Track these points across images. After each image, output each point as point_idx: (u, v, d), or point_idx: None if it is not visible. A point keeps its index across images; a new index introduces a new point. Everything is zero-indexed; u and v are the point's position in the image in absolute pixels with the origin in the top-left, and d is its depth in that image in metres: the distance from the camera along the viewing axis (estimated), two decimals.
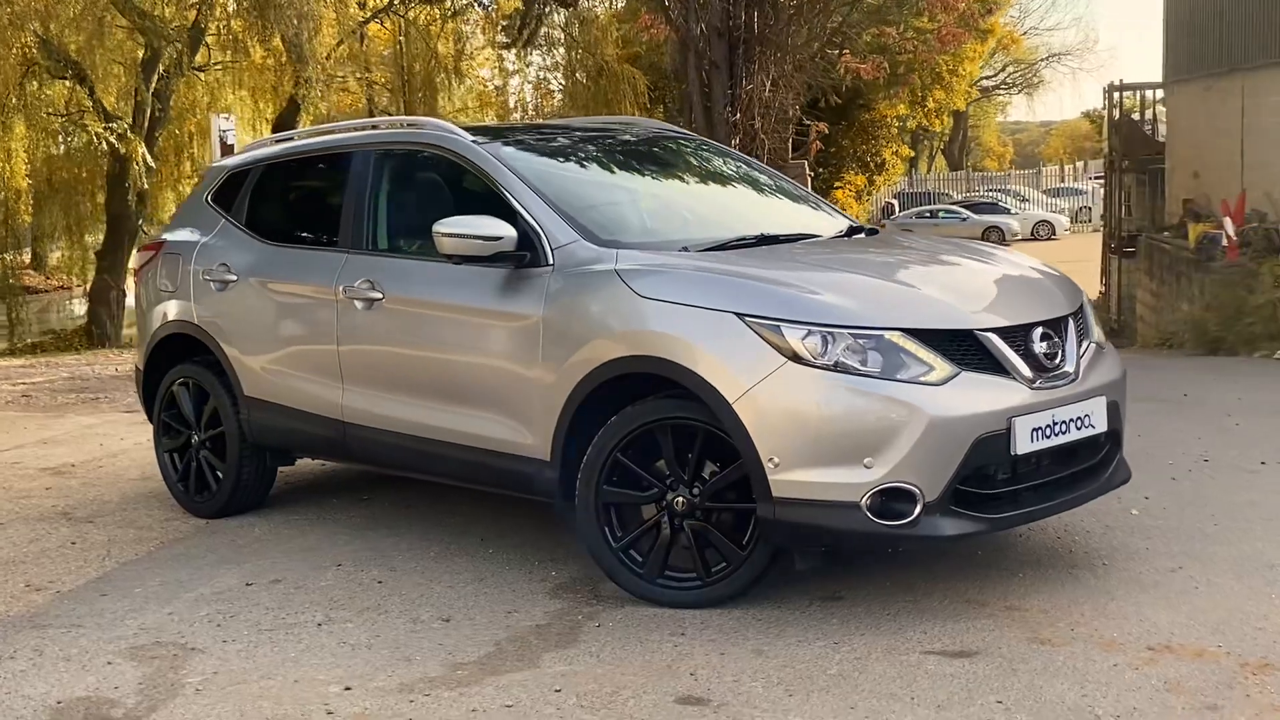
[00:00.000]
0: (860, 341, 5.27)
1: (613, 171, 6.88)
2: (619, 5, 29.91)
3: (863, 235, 6.86)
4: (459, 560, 6.46)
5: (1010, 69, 43.43)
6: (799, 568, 5.63)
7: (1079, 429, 5.63)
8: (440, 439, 6.34)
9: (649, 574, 5.67)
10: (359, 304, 6.60)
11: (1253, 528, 6.51)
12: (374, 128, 7.31)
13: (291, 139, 7.72)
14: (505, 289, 6.05)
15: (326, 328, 6.78)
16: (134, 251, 8.34)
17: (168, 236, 7.86)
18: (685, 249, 6.05)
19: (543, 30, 23.52)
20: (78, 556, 6.89)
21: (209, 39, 26.93)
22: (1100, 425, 5.75)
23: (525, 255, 6.02)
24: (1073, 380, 5.64)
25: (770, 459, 5.26)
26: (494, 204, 6.33)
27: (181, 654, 5.38)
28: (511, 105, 34.87)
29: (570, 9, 25.24)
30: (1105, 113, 26.32)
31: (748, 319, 5.36)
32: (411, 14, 28.72)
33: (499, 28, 25.50)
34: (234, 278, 7.28)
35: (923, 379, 5.25)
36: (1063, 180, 45.58)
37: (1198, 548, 6.22)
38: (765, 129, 20.45)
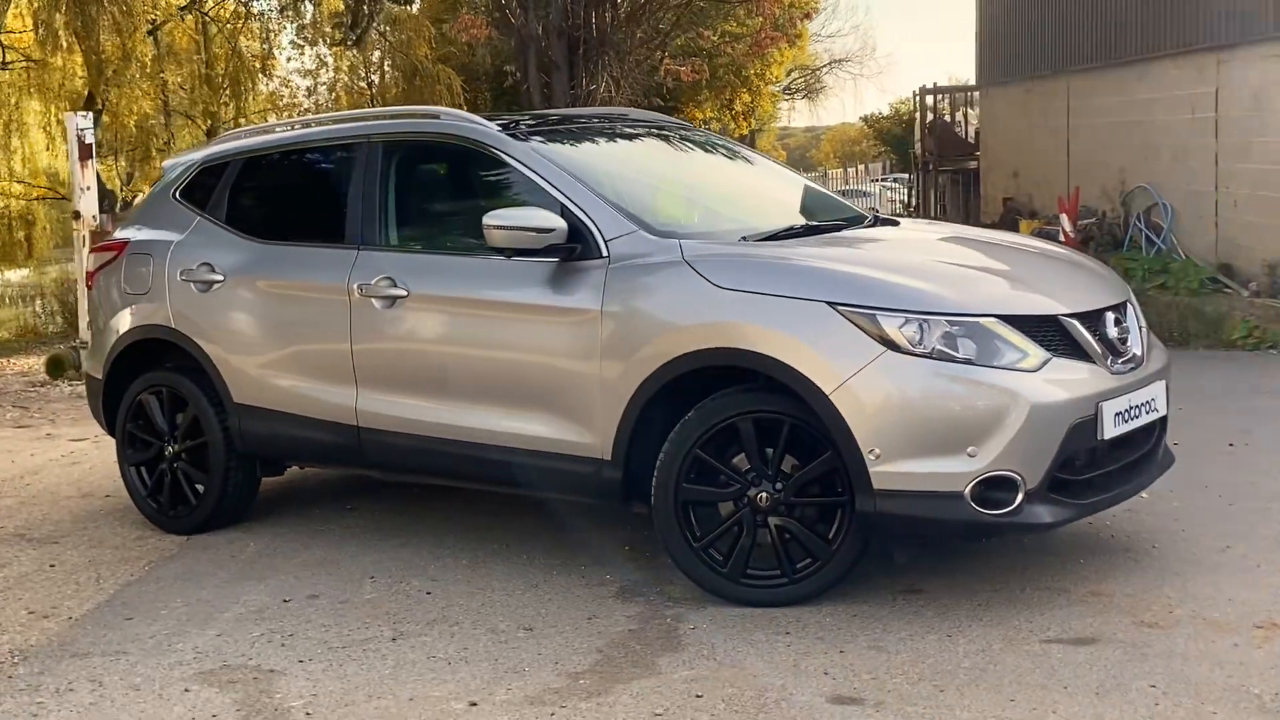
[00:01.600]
0: (956, 328, 5.21)
1: (637, 161, 6.68)
2: (432, 3, 29.42)
3: (896, 224, 6.80)
4: (496, 567, 6.20)
5: (794, 74, 44.18)
6: (898, 560, 5.55)
7: (1147, 413, 5.68)
8: (477, 441, 6.08)
9: (732, 573, 5.52)
10: (377, 302, 6.29)
11: (1270, 507, 6.63)
12: (377, 118, 6.94)
13: (273, 130, 7.31)
14: (553, 283, 5.83)
15: (337, 328, 6.44)
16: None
17: (130, 236, 7.38)
18: (744, 238, 5.91)
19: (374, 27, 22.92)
20: (66, 580, 6.42)
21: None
22: (1161, 409, 5.81)
23: (575, 248, 5.80)
24: (1140, 364, 5.68)
25: (871, 451, 5.16)
26: (525, 195, 6.10)
27: (262, 677, 5.04)
28: (320, 105, 33.99)
29: (402, 6, 24.74)
30: (917, 115, 26.91)
31: (841, 308, 5.25)
32: (215, 11, 27.78)
33: (331, 24, 24.80)
34: (219, 278, 6.86)
35: (1019, 365, 5.22)
36: (847, 183, 46.64)
37: (1232, 528, 6.31)
38: None
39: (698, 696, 4.66)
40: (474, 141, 6.33)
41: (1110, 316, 5.63)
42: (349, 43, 22.13)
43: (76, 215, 12.96)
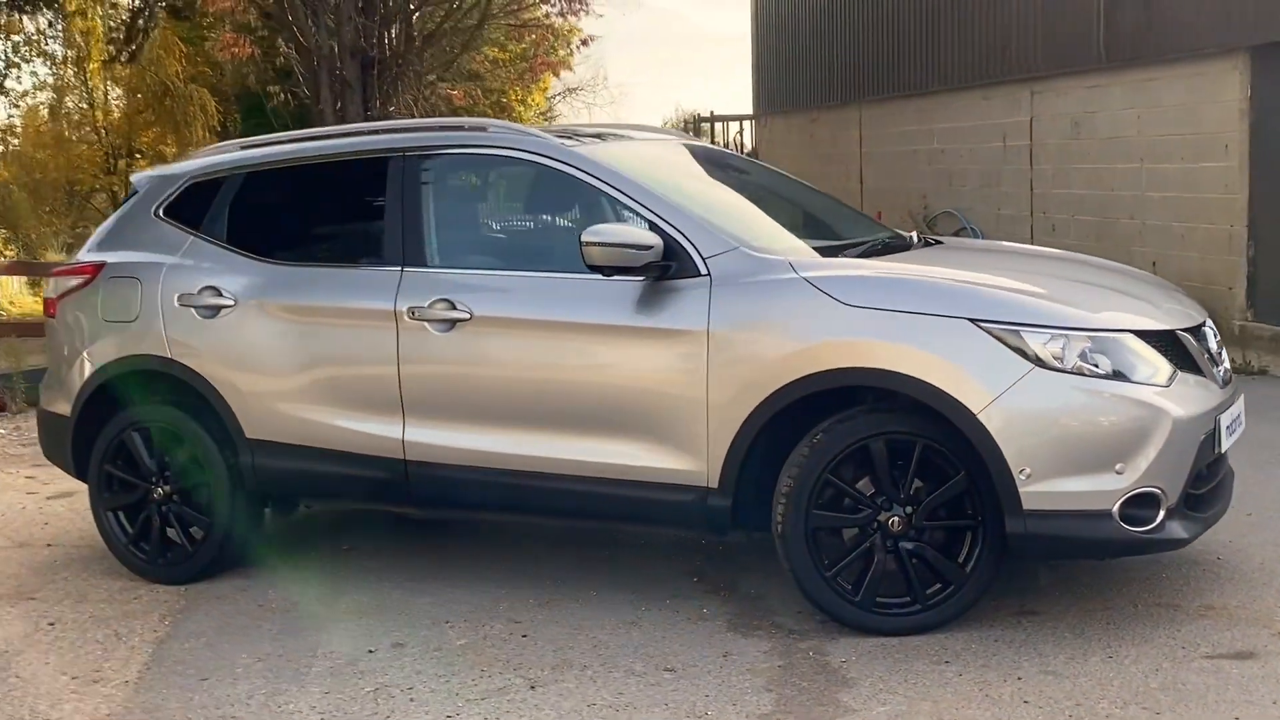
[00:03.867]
0: (1094, 344, 5.16)
1: (689, 176, 6.41)
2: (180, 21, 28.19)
3: (942, 243, 6.71)
4: (570, 605, 5.86)
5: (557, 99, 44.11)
6: (1043, 583, 5.45)
7: (1240, 426, 5.73)
8: (555, 471, 5.73)
9: (865, 601, 5.33)
10: (433, 326, 5.87)
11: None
12: (409, 131, 6.49)
13: (277, 143, 6.76)
14: (645, 303, 5.54)
15: (380, 355, 5.99)
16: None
17: (106, 258, 6.70)
18: (841, 254, 5.76)
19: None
20: (83, 640, 5.79)
21: None
22: (1244, 422, 5.87)
23: (670, 265, 5.54)
24: (1231, 378, 5.74)
25: (1021, 470, 5.05)
26: (598, 211, 5.83)
27: None
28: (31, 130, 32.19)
29: (188, 21, 23.65)
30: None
31: (985, 324, 5.13)
32: None
33: (106, 40, 23.47)
34: (228, 302, 6.30)
35: (1153, 380, 5.19)
36: None
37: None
38: None
39: None
40: (535, 154, 5.99)
41: (1208, 331, 5.67)
42: (123, 59, 20.91)
43: None
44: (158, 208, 6.68)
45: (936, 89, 18.16)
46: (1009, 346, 5.10)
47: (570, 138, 6.14)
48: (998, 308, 5.19)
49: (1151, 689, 4.73)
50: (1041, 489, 5.06)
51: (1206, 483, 5.52)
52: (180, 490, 6.48)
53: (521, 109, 30.40)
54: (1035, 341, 5.10)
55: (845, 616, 5.35)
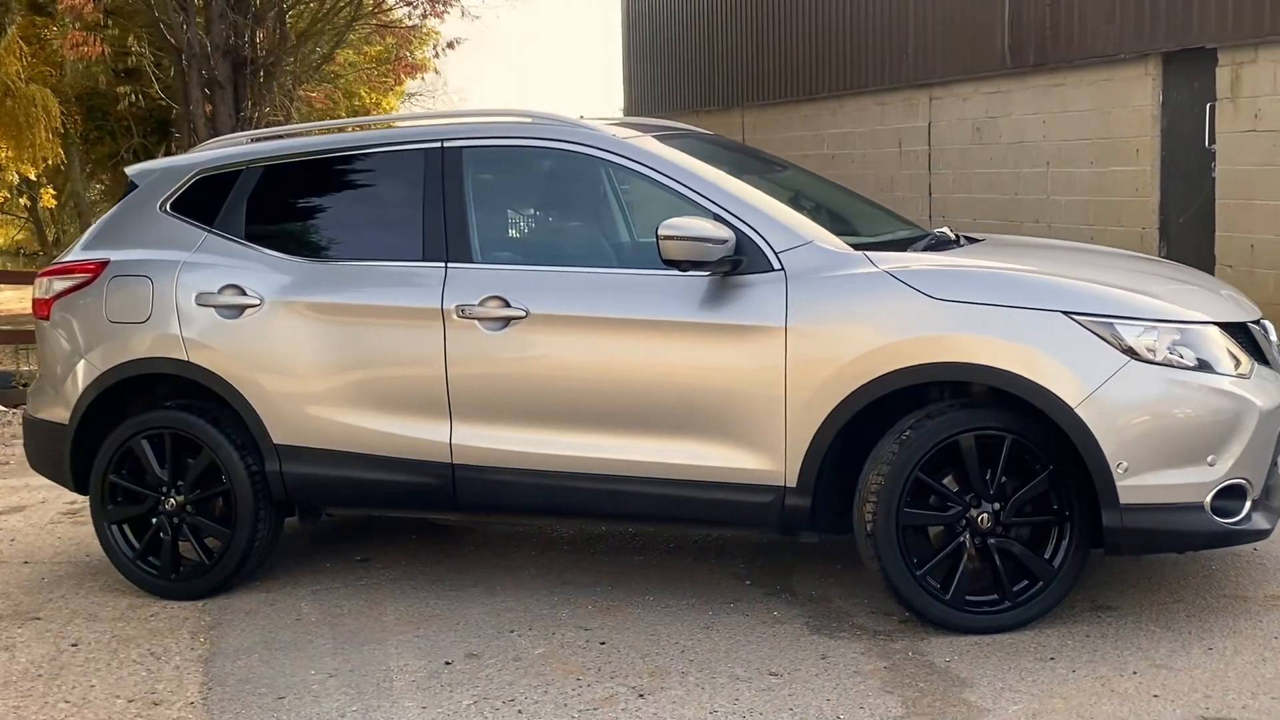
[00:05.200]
0: (1182, 337, 5.16)
1: (741, 171, 6.26)
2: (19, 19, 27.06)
3: (984, 240, 6.66)
4: (634, 611, 5.69)
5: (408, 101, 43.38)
6: (1103, 578, 5.43)
7: None
8: (620, 473, 5.56)
9: (955, 600, 5.25)
10: (484, 325, 5.65)
11: None
12: (446, 121, 6.24)
13: (299, 134, 6.46)
14: (718, 298, 5.40)
15: (425, 354, 5.75)
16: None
17: (109, 256, 6.31)
18: (906, 249, 5.68)
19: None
20: (117, 661, 5.45)
21: None
22: None
23: (741, 260, 5.40)
24: None
25: (1119, 464, 5.03)
26: (659, 205, 5.67)
27: None
28: None
29: (50, 17, 22.68)
30: None
31: (1079, 317, 5.10)
32: None
33: None
34: (253, 302, 5.98)
35: (1237, 372, 5.21)
36: None
37: None
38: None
39: None
40: (585, 146, 5.80)
41: (1267, 325, 5.72)
42: None
43: None
44: (163, 202, 6.32)
45: (826, 94, 18.29)
46: (1104, 339, 5.07)
47: (626, 128, 5.95)
48: (1091, 300, 5.15)
49: (1269, 678, 4.73)
50: (1137, 482, 5.04)
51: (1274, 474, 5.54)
52: (195, 500, 6.13)
53: (379, 113, 29.82)
54: (1129, 334, 5.08)
55: (935, 615, 5.25)
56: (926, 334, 5.18)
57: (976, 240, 6.30)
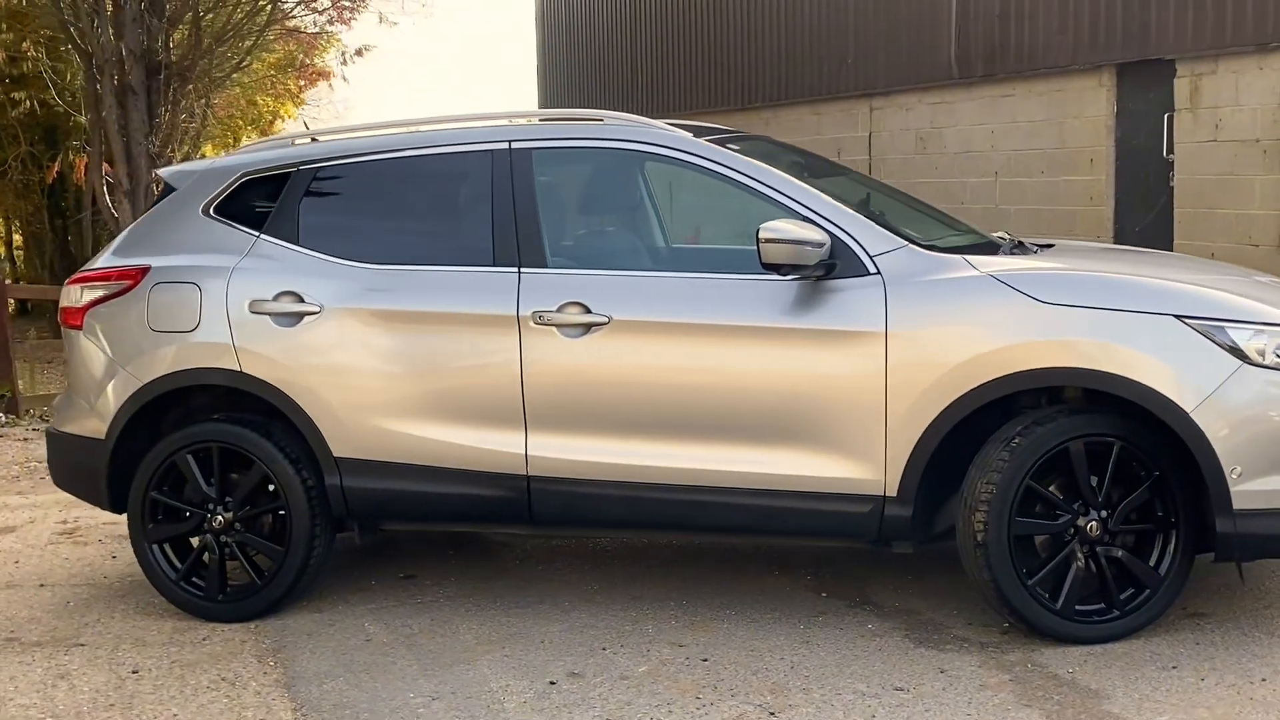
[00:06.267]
0: None
1: (813, 174, 6.12)
2: None
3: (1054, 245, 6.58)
4: (724, 626, 5.53)
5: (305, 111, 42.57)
6: (1245, 584, 5.37)
7: None
8: (710, 485, 5.39)
9: (1065, 610, 5.16)
10: (563, 331, 5.45)
11: None
12: (511, 122, 6.01)
13: (352, 134, 6.18)
14: (810, 304, 5.27)
15: (500, 362, 5.54)
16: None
17: (150, 262, 6.00)
18: (1000, 250, 5.60)
19: None
20: (186, 687, 5.16)
21: None
22: None
23: (835, 264, 5.27)
24: None
25: (1233, 470, 4.98)
26: (742, 209, 5.53)
27: None
28: None
29: None
30: None
31: (1191, 321, 5.04)
32: None
33: None
34: (313, 309, 5.72)
35: None
36: None
37: None
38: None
39: None
40: (662, 148, 5.64)
41: None
42: None
43: None
44: (206, 205, 6.02)
45: (760, 104, 18.25)
46: (1215, 343, 5.01)
47: (703, 132, 5.80)
48: (1202, 304, 5.10)
49: None
50: (1251, 487, 4.99)
51: None
52: (244, 517, 5.84)
53: (279, 123, 29.30)
54: (1241, 338, 5.03)
55: (1047, 626, 5.15)
56: (1037, 339, 5.09)
57: (1047, 245, 6.22)
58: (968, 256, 5.36)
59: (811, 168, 6.34)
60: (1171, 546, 5.17)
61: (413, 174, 5.92)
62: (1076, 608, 5.17)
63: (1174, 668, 4.90)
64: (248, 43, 20.41)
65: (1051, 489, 5.16)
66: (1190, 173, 12.01)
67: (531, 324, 5.48)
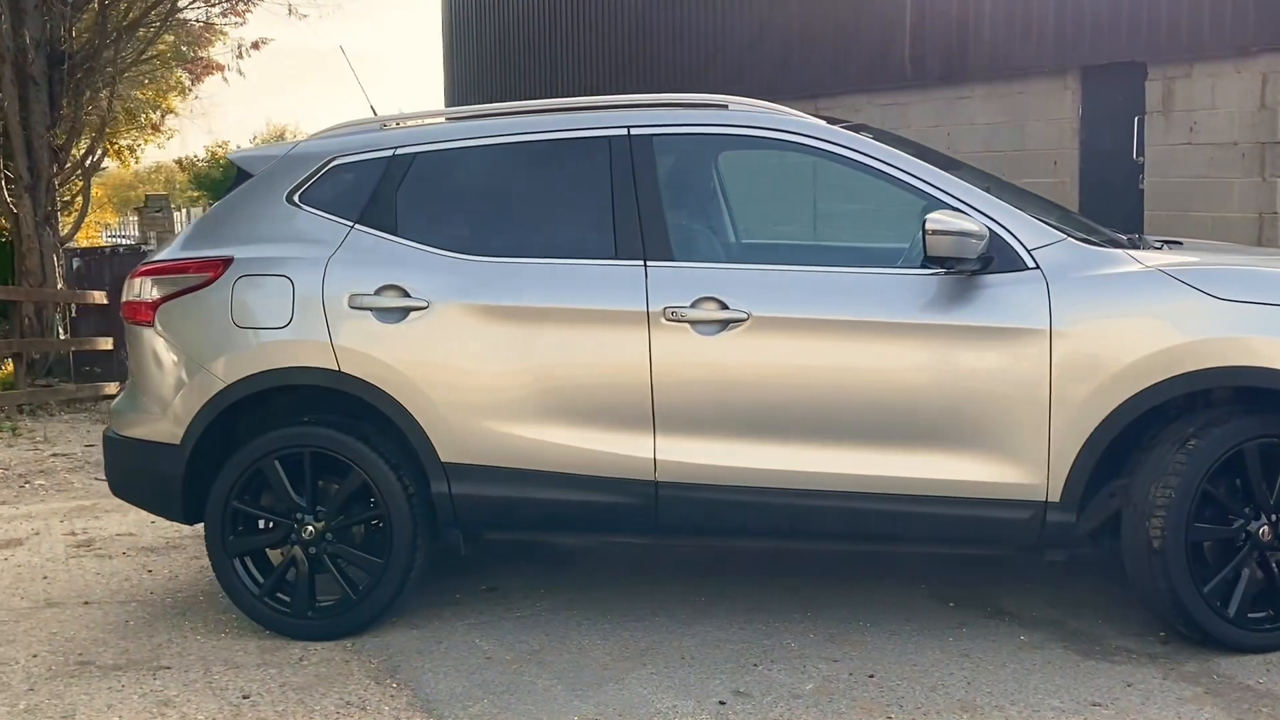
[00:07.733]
0: None
1: (946, 164, 5.83)
2: None
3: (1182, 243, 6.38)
4: (869, 639, 5.26)
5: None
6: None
7: None
8: (857, 490, 5.11)
9: (1239, 617, 4.97)
10: (698, 328, 5.14)
11: None
12: (630, 107, 5.65)
13: (457, 119, 5.79)
14: (963, 299, 5.02)
15: (626, 361, 5.20)
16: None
17: (232, 253, 5.55)
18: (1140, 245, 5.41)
19: None
20: (307, 713, 4.75)
21: None
22: None
23: (991, 258, 5.03)
24: None
25: None
26: (883, 200, 5.27)
27: None
28: None
29: None
30: None
31: None
32: None
33: None
34: (420, 304, 5.32)
35: None
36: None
37: None
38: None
39: None
40: (795, 136, 5.35)
41: None
42: None
43: None
44: (291, 192, 5.59)
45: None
46: None
47: (835, 120, 5.51)
48: None
49: None
50: None
51: None
52: (338, 527, 5.43)
53: (160, 119, 28.43)
54: None
55: (1221, 635, 4.95)
56: (1218, 336, 4.88)
57: (1174, 243, 6.05)
58: (1134, 251, 5.14)
59: (935, 160, 6.08)
60: None
61: (523, 161, 5.56)
62: (1249, 616, 4.97)
63: None
64: (149, 32, 19.71)
65: (1223, 493, 4.96)
66: (1163, 175, 12.01)
67: (662, 320, 5.15)
